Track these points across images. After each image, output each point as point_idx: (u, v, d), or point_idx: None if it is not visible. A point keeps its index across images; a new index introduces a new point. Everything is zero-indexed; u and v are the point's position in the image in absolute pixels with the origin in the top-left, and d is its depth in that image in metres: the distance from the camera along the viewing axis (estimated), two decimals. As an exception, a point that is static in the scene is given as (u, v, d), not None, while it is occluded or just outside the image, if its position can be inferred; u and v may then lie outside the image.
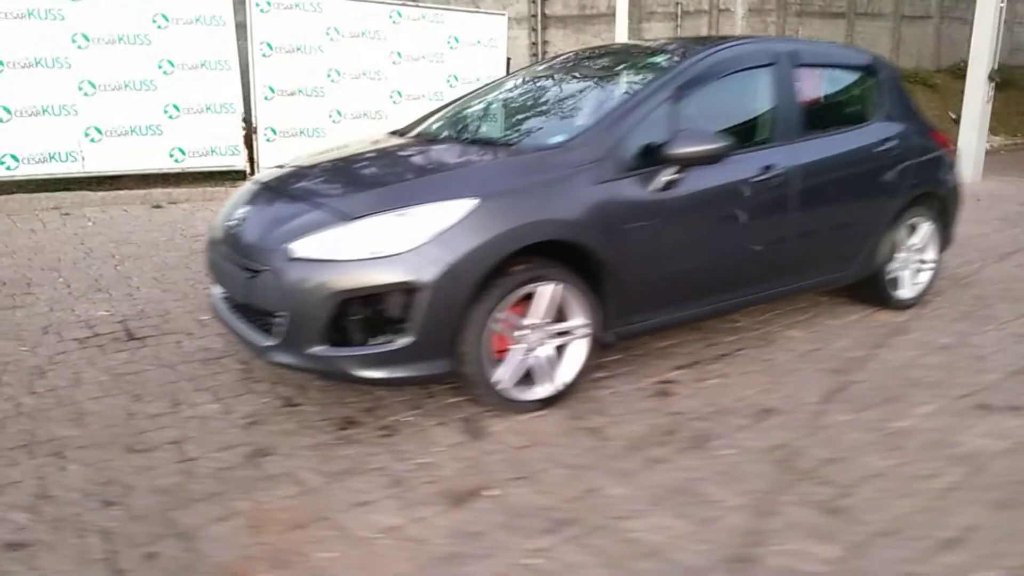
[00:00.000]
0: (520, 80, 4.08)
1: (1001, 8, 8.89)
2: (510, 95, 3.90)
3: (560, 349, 2.89)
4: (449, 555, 1.99)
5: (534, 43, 13.51)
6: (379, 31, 8.80)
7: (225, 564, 1.96)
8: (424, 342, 2.55)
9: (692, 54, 3.29)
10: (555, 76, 3.85)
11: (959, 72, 12.48)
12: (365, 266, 2.50)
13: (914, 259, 4.22)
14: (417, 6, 9.09)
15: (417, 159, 3.27)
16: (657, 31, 12.84)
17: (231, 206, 3.14)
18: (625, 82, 3.37)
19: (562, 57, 4.22)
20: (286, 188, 3.09)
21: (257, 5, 7.95)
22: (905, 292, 4.20)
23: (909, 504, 2.26)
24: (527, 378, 2.83)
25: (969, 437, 2.70)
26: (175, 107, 7.73)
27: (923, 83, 14.34)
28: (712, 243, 3.23)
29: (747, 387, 3.12)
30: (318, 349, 2.56)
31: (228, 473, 2.40)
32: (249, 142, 8.12)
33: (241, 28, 7.96)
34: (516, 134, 3.42)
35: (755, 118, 3.49)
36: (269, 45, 8.13)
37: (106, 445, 2.56)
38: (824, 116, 3.84)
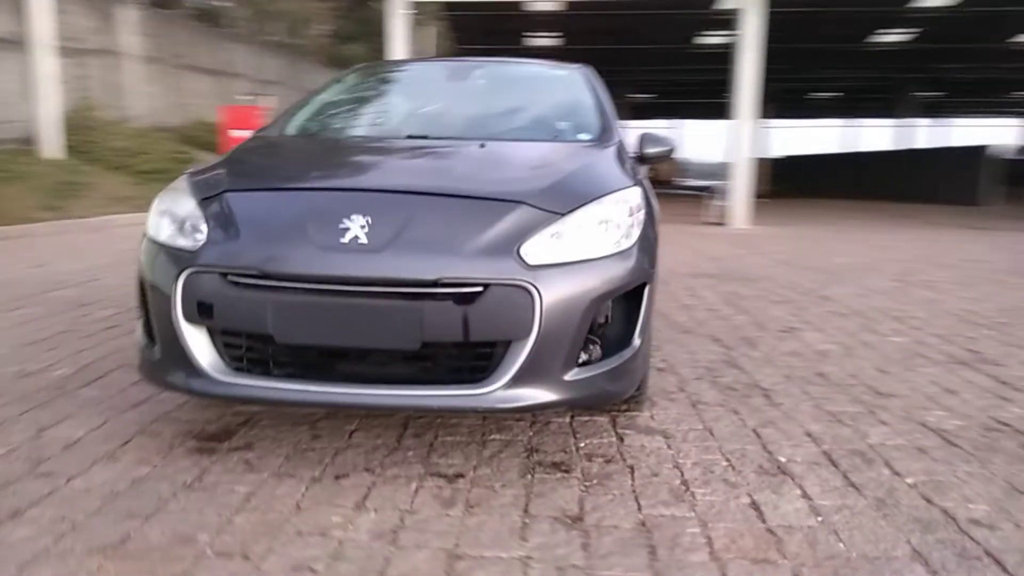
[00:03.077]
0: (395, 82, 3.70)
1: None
2: (424, 98, 3.53)
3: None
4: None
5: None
6: None
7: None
8: (643, 345, 2.33)
9: (581, 71, 3.54)
10: (447, 80, 3.55)
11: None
12: (613, 263, 2.16)
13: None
14: None
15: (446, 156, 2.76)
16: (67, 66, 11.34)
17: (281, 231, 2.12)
18: (559, 92, 3.43)
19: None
20: (396, 180, 2.45)
21: None
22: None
23: None
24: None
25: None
26: None
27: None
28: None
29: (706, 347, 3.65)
30: (574, 373, 2.09)
31: (597, 543, 1.79)
32: None
33: None
34: (533, 130, 3.09)
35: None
36: None
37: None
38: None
